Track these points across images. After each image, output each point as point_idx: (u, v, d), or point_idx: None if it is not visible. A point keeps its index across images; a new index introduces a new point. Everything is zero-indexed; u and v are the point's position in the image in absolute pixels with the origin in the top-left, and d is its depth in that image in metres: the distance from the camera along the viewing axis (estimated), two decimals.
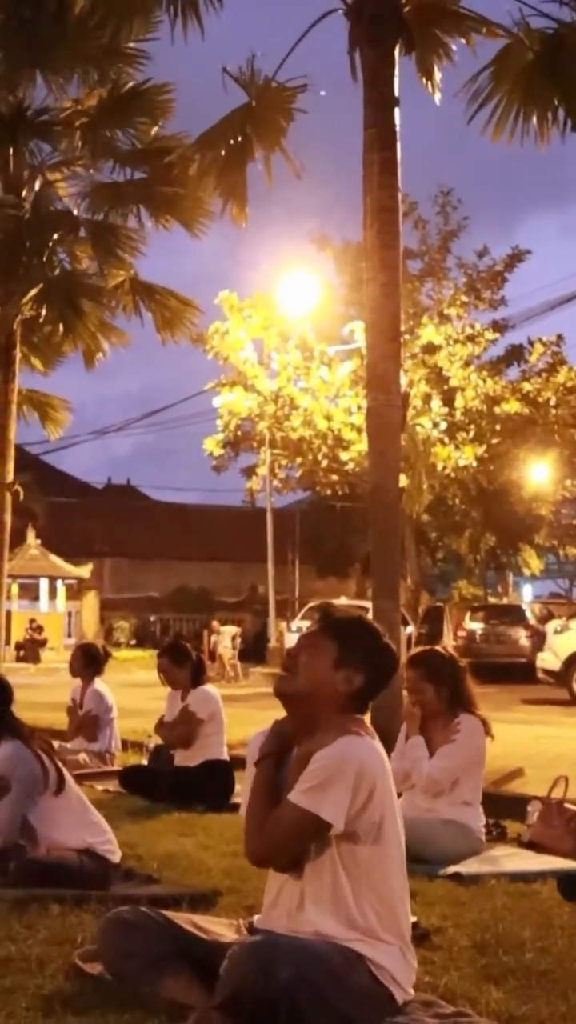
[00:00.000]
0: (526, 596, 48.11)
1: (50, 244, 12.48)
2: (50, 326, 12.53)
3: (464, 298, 30.57)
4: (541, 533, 38.55)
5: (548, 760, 9.53)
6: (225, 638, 27.25)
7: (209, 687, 8.00)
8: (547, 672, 19.16)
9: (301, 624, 27.10)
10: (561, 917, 4.55)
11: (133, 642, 37.97)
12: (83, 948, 3.75)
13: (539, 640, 22.19)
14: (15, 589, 32.72)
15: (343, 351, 27.61)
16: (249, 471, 32.77)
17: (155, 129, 12.30)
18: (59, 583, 35.83)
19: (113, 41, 11.00)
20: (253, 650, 31.02)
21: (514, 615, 28.25)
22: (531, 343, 32.42)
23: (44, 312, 12.19)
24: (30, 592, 35.73)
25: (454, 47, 9.87)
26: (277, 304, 27.57)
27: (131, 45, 11.48)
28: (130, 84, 12.04)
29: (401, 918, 3.29)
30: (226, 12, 10.29)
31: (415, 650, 6.34)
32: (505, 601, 39.97)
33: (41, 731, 5.56)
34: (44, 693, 14.62)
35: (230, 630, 27.91)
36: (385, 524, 9.14)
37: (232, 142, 10.08)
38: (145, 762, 8.47)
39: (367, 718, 3.41)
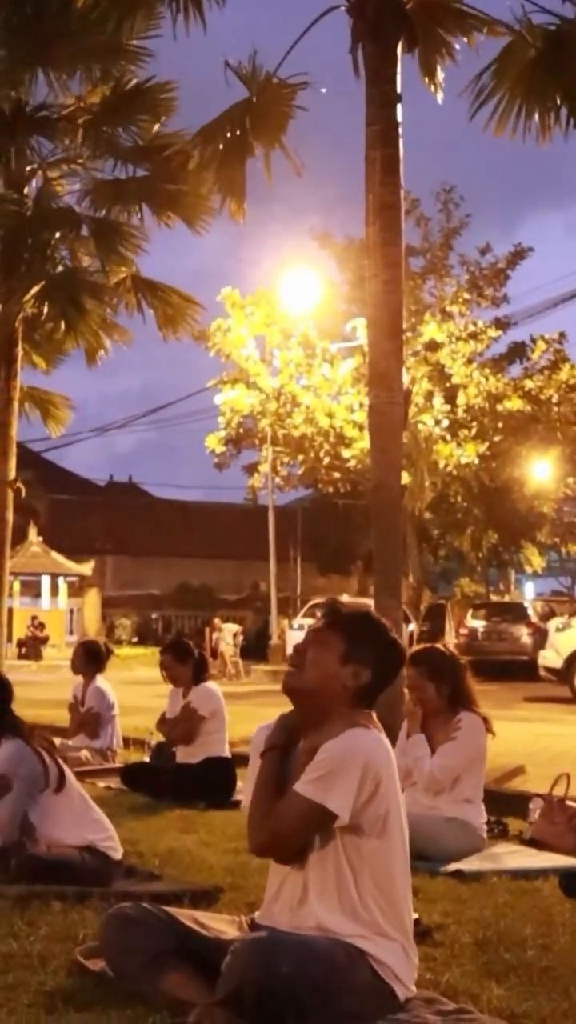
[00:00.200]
0: (528, 594, 48.11)
1: (52, 241, 12.47)
2: (52, 324, 12.52)
3: (466, 295, 30.59)
4: (543, 531, 38.53)
5: (550, 758, 9.54)
6: (227, 635, 27.27)
7: (211, 684, 8.00)
8: (549, 670, 19.17)
9: (303, 622, 27.11)
10: (563, 914, 4.55)
11: (135, 639, 37.98)
12: (85, 945, 3.76)
13: (541, 638, 22.21)
14: (17, 586, 32.74)
15: (345, 348, 27.63)
16: (251, 468, 32.78)
17: (157, 126, 12.28)
18: (61, 580, 35.85)
19: (115, 37, 10.98)
20: (255, 648, 31.05)
21: (516, 613, 28.27)
22: (533, 340, 32.44)
23: (46, 309, 12.17)
24: (32, 589, 35.76)
25: (457, 46, 9.85)
26: (279, 301, 27.58)
27: (134, 42, 11.45)
28: (133, 81, 12.02)
29: (403, 913, 3.29)
30: (229, 8, 10.30)
31: (416, 648, 6.34)
32: (507, 599, 39.97)
33: (42, 728, 5.56)
34: (46, 690, 14.63)
35: (231, 627, 27.94)
36: (387, 521, 9.13)
37: (232, 137, 10.07)
38: (147, 759, 8.48)
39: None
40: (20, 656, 30.16)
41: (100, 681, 9.17)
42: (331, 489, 31.21)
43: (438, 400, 27.35)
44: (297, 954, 3.06)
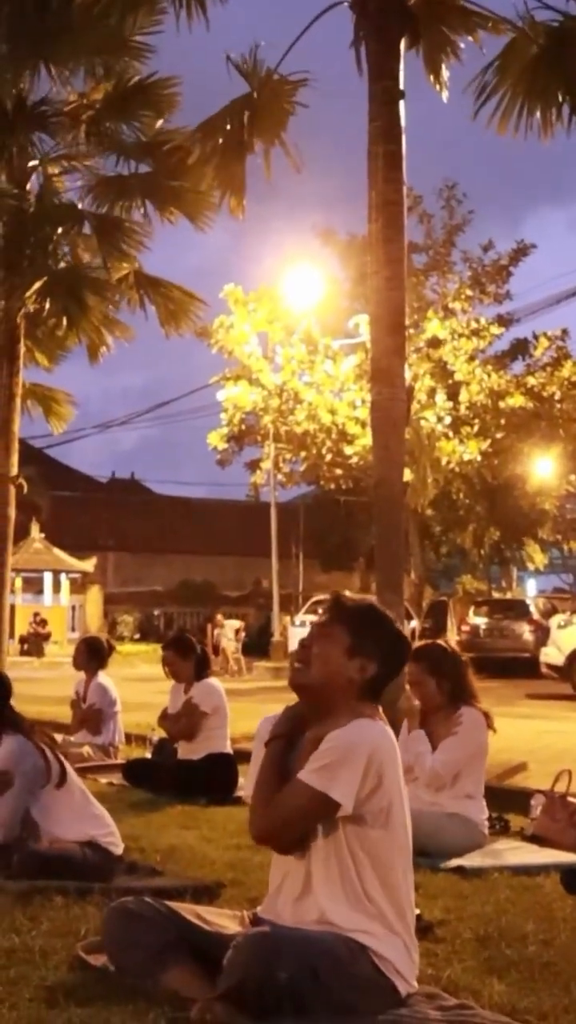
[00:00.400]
0: (530, 591, 48.07)
1: (54, 237, 12.47)
2: (54, 320, 12.52)
3: (469, 292, 30.53)
4: (545, 528, 38.49)
5: (551, 754, 9.53)
6: (228, 631, 27.27)
7: (213, 680, 8.00)
8: (551, 667, 19.17)
9: (305, 618, 27.13)
10: (564, 910, 4.56)
11: (137, 636, 38.02)
12: (86, 940, 3.76)
13: (543, 635, 22.20)
14: (19, 583, 32.78)
15: (348, 345, 27.59)
16: (253, 465, 32.76)
17: (160, 122, 12.28)
18: (63, 577, 35.86)
19: (118, 33, 10.98)
20: (257, 644, 31.05)
21: (518, 610, 28.26)
22: (536, 337, 32.37)
23: (48, 306, 12.17)
24: (34, 586, 35.78)
25: (462, 45, 9.83)
26: (282, 298, 27.55)
27: (136, 38, 11.45)
28: (135, 77, 12.02)
29: (406, 907, 3.30)
30: (232, 3, 10.28)
31: (417, 643, 6.35)
32: (509, 596, 39.91)
33: (44, 724, 5.58)
34: (48, 687, 14.65)
35: (233, 624, 27.94)
36: (389, 518, 9.13)
37: (232, 133, 10.05)
38: (148, 755, 8.49)
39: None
40: (22, 652, 30.19)
41: (102, 677, 9.18)
42: (333, 486, 31.17)
43: (440, 397, 27.31)
44: (298, 949, 3.06)
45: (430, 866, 5.13)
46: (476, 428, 28.77)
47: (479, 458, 28.29)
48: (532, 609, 27.99)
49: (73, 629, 35.19)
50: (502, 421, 29.48)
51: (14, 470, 12.74)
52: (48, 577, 35.62)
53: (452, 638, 23.45)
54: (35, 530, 34.22)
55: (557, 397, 30.58)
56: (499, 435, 29.48)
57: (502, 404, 29.37)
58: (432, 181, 32.75)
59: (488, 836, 5.93)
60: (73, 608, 36.77)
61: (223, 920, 3.45)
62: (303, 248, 30.31)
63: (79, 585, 37.38)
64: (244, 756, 7.35)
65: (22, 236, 12.35)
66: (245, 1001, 2.96)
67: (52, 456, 46.16)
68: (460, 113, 9.72)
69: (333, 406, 27.26)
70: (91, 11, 10.87)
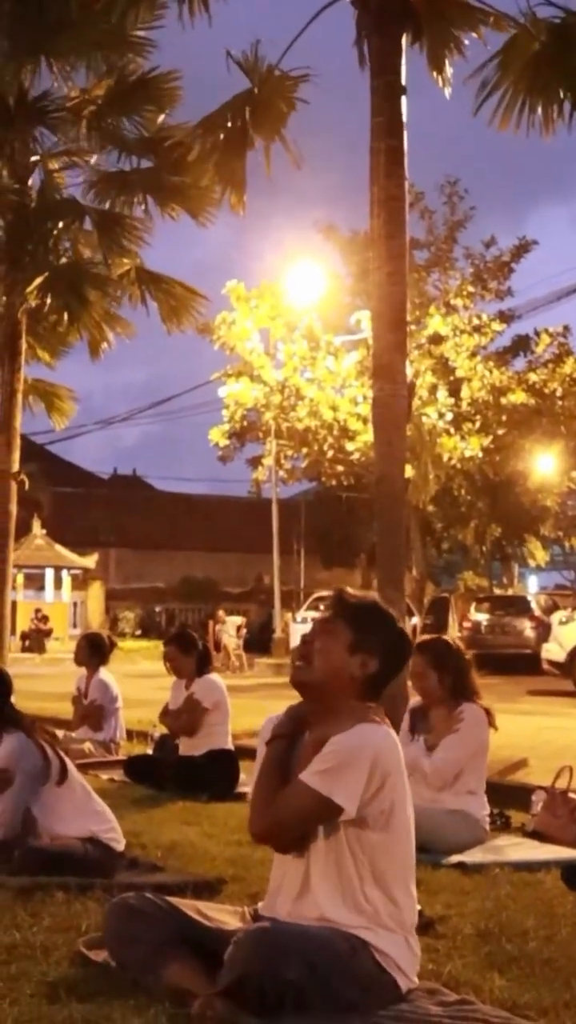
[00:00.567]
0: (531, 587, 48.07)
1: (55, 233, 12.46)
2: (55, 315, 12.52)
3: (471, 288, 30.51)
4: (547, 524, 38.49)
5: (553, 751, 9.55)
6: (230, 628, 27.27)
7: (214, 676, 8.00)
8: (552, 663, 19.19)
9: (306, 615, 27.13)
10: (564, 906, 4.57)
11: (138, 632, 38.03)
12: (88, 935, 3.76)
13: (544, 631, 22.22)
14: (20, 579, 32.77)
15: (349, 341, 27.60)
16: (255, 462, 32.78)
17: (162, 118, 12.28)
18: (64, 573, 35.86)
19: (119, 28, 10.96)
20: (258, 641, 31.05)
21: (519, 606, 28.25)
22: (537, 334, 32.38)
23: (49, 301, 12.16)
24: (35, 582, 35.77)
25: (466, 41, 9.80)
26: (284, 294, 27.55)
27: (138, 33, 11.44)
28: (137, 72, 12.01)
29: (406, 905, 3.30)
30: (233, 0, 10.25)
31: (423, 637, 6.35)
32: (510, 592, 39.89)
33: (46, 721, 5.58)
34: (49, 683, 14.67)
35: (235, 620, 27.94)
36: (390, 515, 9.12)
37: (232, 128, 10.04)
38: (150, 751, 8.49)
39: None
40: (24, 649, 30.19)
41: (103, 673, 9.18)
42: (335, 482, 31.20)
43: (442, 393, 27.32)
44: (299, 945, 3.07)
45: (431, 862, 5.13)
46: (478, 424, 28.78)
47: (480, 454, 28.30)
48: (533, 606, 27.98)
49: (75, 625, 35.18)
50: (503, 417, 29.51)
51: (16, 466, 12.74)
52: (50, 573, 35.62)
53: (453, 634, 23.44)
54: (37, 526, 34.22)
55: (559, 393, 30.61)
56: (500, 431, 29.50)
57: (503, 400, 29.39)
58: (434, 177, 32.69)
59: (489, 832, 5.93)
60: (75, 604, 36.76)
61: (224, 916, 3.46)
62: (305, 244, 30.36)
63: (81, 581, 37.38)
64: (245, 752, 7.35)
65: (23, 232, 12.34)
66: (246, 997, 2.96)
67: (54, 452, 46.15)
68: (463, 109, 9.70)
69: (335, 402, 27.27)
70: (91, 6, 10.85)
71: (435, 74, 9.67)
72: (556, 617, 20.40)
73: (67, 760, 5.03)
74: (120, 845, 5.04)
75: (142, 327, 13.73)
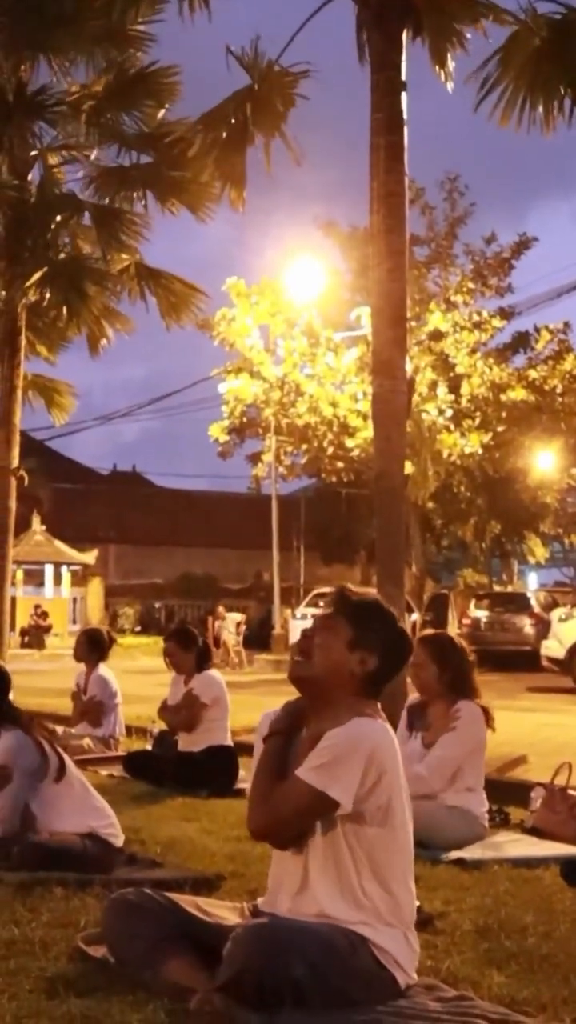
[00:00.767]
0: (531, 584, 48.06)
1: (52, 227, 12.44)
2: (54, 311, 12.52)
3: (471, 285, 30.51)
4: (546, 521, 38.50)
5: (552, 747, 9.55)
6: (230, 625, 27.27)
7: (213, 672, 8.00)
8: (551, 660, 19.20)
9: (306, 611, 27.12)
10: (563, 902, 4.57)
11: (138, 628, 38.01)
12: (86, 931, 3.76)
13: (544, 628, 22.22)
14: (20, 575, 32.76)
15: (349, 337, 27.58)
16: (255, 458, 32.77)
17: (161, 113, 12.27)
18: (64, 569, 35.85)
19: (118, 22, 10.95)
20: (258, 637, 31.04)
21: (519, 603, 28.25)
22: (537, 330, 32.37)
23: (48, 296, 12.17)
24: (35, 578, 35.75)
25: (468, 35, 9.79)
26: (283, 290, 27.53)
27: (137, 27, 11.43)
28: (136, 67, 12.00)
29: (405, 901, 3.30)
30: None
31: (428, 631, 6.35)
32: (510, 589, 39.93)
33: (45, 717, 5.57)
34: (49, 679, 14.67)
35: (235, 617, 27.94)
36: (390, 511, 9.13)
37: (232, 124, 10.04)
38: (149, 747, 8.49)
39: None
40: (23, 645, 30.19)
41: (103, 669, 9.18)
42: (334, 478, 31.18)
43: (442, 389, 27.31)
44: (298, 940, 3.07)
45: (430, 858, 5.13)
46: (477, 421, 28.78)
47: (480, 451, 28.29)
48: (533, 603, 27.98)
49: (74, 621, 35.17)
50: (503, 414, 29.50)
51: (15, 462, 12.74)
52: (49, 569, 35.61)
53: (453, 631, 23.43)
54: (36, 522, 34.20)
55: (559, 390, 30.62)
56: (500, 428, 29.49)
57: (503, 397, 29.39)
58: (435, 173, 32.71)
59: (488, 828, 5.94)
60: (74, 600, 36.75)
61: (223, 912, 3.46)
62: (305, 240, 30.30)
63: (80, 577, 37.37)
64: (245, 748, 7.35)
65: (23, 227, 12.33)
66: (244, 992, 2.97)
67: (53, 448, 46.12)
68: (464, 105, 9.69)
69: (334, 399, 27.27)
70: (90, 1, 10.85)
71: (437, 68, 9.65)
72: (555, 614, 20.42)
73: (65, 756, 5.02)
74: (119, 841, 5.04)
75: (142, 323, 13.75)
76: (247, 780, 3.52)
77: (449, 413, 27.33)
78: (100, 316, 12.96)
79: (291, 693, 3.49)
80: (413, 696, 6.22)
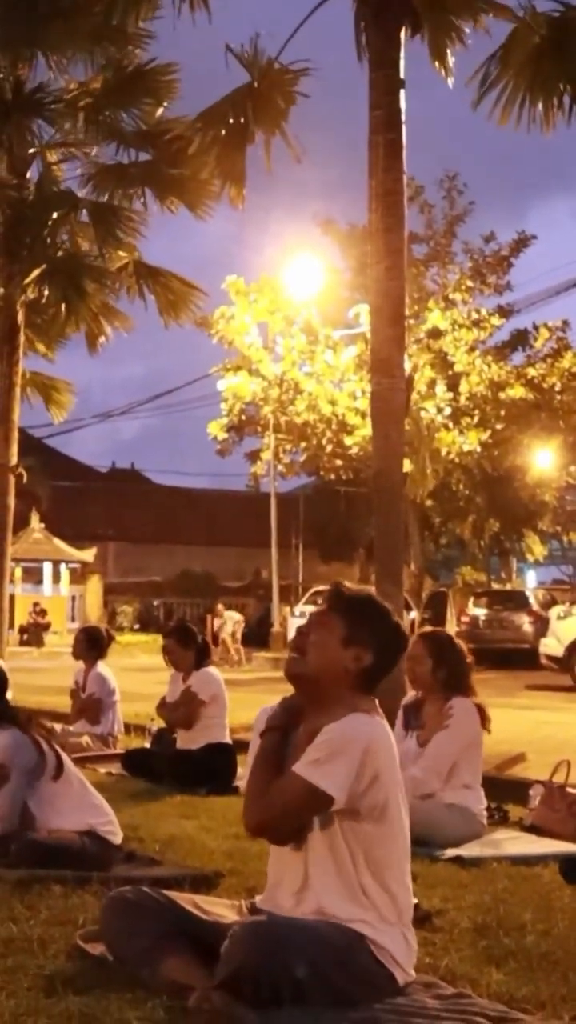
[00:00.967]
0: (529, 582, 48.07)
1: (49, 224, 12.43)
2: (53, 308, 12.51)
3: (469, 283, 30.51)
4: (545, 519, 38.53)
5: (551, 745, 9.54)
6: (229, 623, 27.28)
7: (211, 669, 8.00)
8: (550, 658, 19.21)
9: (304, 609, 27.13)
10: (562, 900, 4.57)
11: (136, 626, 38.03)
12: (85, 929, 3.76)
13: (542, 626, 22.25)
14: (19, 573, 32.79)
15: (348, 335, 27.58)
16: (253, 456, 32.76)
17: (160, 110, 12.26)
18: (63, 567, 35.88)
19: (120, 21, 10.94)
20: (256, 635, 31.05)
21: (517, 601, 28.27)
22: (536, 328, 32.37)
23: (47, 293, 12.17)
24: (34, 576, 35.79)
25: (467, 30, 9.78)
26: (282, 288, 27.53)
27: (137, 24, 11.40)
28: (134, 64, 11.98)
29: (403, 899, 3.30)
30: None
31: (428, 628, 6.36)
32: (508, 587, 39.94)
33: (44, 714, 5.57)
34: (47, 677, 14.67)
35: (234, 616, 27.95)
36: (389, 509, 9.13)
37: (232, 122, 10.03)
38: (147, 745, 8.49)
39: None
40: (22, 643, 30.22)
41: (101, 667, 9.18)
42: (333, 476, 31.20)
43: (440, 387, 27.32)
44: (296, 938, 3.07)
45: (428, 856, 5.13)
46: (476, 419, 28.79)
47: (479, 449, 28.30)
48: (531, 600, 28.00)
49: (73, 619, 35.21)
50: (502, 412, 29.51)
51: (14, 460, 12.73)
52: (48, 567, 35.63)
53: (451, 629, 23.44)
54: (35, 520, 34.23)
55: (557, 388, 30.62)
56: (499, 426, 29.51)
57: (502, 395, 29.40)
58: (434, 172, 32.70)
59: (487, 826, 5.94)
60: (73, 598, 36.80)
61: (221, 909, 3.46)
62: (304, 238, 30.31)
63: (79, 575, 37.40)
64: (243, 746, 7.34)
65: (22, 224, 12.32)
66: (243, 990, 2.96)
67: (52, 446, 46.07)
68: (463, 104, 9.68)
69: (333, 396, 27.27)
70: (92, 5, 10.85)
71: (436, 64, 9.64)
72: (554, 612, 20.44)
73: (62, 754, 5.02)
74: (117, 838, 5.04)
75: (141, 321, 13.74)
76: (245, 777, 3.52)
77: (448, 411, 27.34)
78: (99, 314, 12.97)
79: (290, 690, 3.49)
80: (409, 695, 6.23)
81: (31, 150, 12.71)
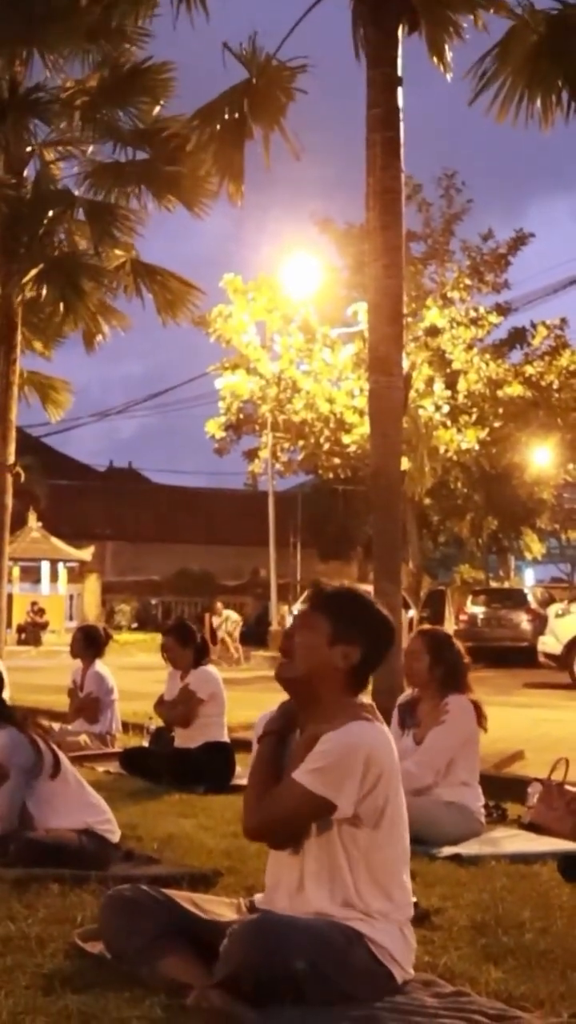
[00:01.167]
0: (528, 580, 48.14)
1: (45, 222, 12.43)
2: (50, 306, 12.51)
3: (467, 281, 30.48)
4: (543, 517, 38.52)
5: (549, 743, 9.54)
6: (228, 622, 27.28)
7: (210, 668, 7.99)
8: (548, 656, 19.23)
9: (302, 608, 27.11)
10: (560, 898, 4.56)
11: (134, 625, 38.02)
12: (83, 927, 3.76)
13: (540, 624, 22.25)
14: (16, 572, 32.77)
15: (346, 333, 27.54)
16: (251, 454, 32.74)
17: (157, 109, 12.26)
18: (60, 566, 35.87)
19: (119, 23, 10.94)
20: (255, 633, 31.05)
21: (516, 599, 28.29)
22: (534, 326, 32.36)
23: (44, 292, 12.16)
24: (31, 575, 35.77)
25: (464, 24, 9.77)
26: (280, 286, 27.50)
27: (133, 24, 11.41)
28: (130, 62, 11.98)
29: (401, 900, 3.29)
30: None
31: (427, 627, 6.37)
32: (507, 585, 39.96)
33: (41, 713, 5.57)
34: (45, 676, 14.67)
35: (232, 614, 27.95)
36: (387, 507, 9.13)
37: (230, 119, 10.02)
38: (146, 744, 8.49)
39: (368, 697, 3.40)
40: (20, 642, 30.23)
41: (99, 666, 9.17)
42: (331, 475, 31.17)
43: (439, 386, 27.29)
44: (294, 937, 3.06)
45: (426, 854, 5.13)
46: (474, 417, 28.77)
47: (477, 447, 28.28)
48: (530, 598, 28.04)
49: (71, 618, 35.20)
50: (500, 410, 29.49)
51: (11, 459, 12.74)
52: (46, 566, 35.62)
53: (450, 627, 23.44)
54: (33, 519, 34.22)
55: (555, 386, 30.60)
56: (497, 424, 29.48)
57: (500, 393, 29.38)
58: (432, 170, 32.69)
59: (485, 824, 5.94)
60: (71, 597, 36.79)
61: (219, 908, 3.45)
62: (301, 236, 30.29)
63: (77, 574, 37.39)
64: (241, 744, 7.36)
65: (19, 223, 12.32)
66: (241, 989, 2.96)
67: (50, 445, 46.06)
68: (460, 102, 9.67)
69: (331, 395, 27.24)
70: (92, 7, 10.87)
71: (434, 59, 9.63)
72: (552, 610, 20.45)
73: (60, 753, 5.02)
74: (115, 837, 5.03)
75: (139, 320, 13.75)
76: (244, 776, 3.51)
77: (446, 409, 27.31)
78: (96, 312, 12.96)
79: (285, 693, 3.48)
80: (404, 693, 6.23)
81: (28, 149, 12.71)
